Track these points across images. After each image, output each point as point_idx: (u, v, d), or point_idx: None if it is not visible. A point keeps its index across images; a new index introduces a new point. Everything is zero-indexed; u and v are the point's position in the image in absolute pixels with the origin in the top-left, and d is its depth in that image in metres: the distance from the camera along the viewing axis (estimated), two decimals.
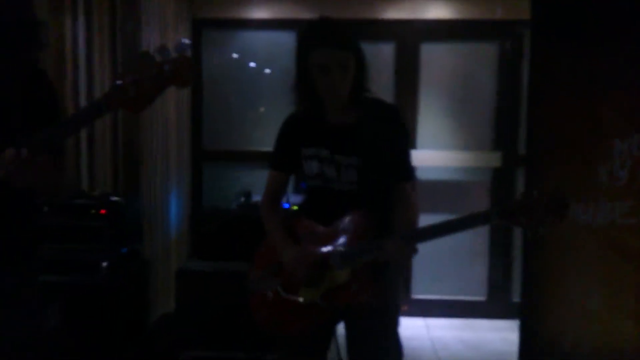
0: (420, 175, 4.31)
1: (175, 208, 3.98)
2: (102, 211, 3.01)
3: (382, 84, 4.28)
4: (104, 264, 3.00)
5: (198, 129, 4.40)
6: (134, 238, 3.32)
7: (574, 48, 2.35)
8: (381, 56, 4.29)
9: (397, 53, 4.26)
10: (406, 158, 2.02)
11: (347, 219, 1.95)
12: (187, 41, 1.49)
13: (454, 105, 4.29)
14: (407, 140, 2.03)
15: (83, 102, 3.46)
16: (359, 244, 1.89)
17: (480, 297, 4.36)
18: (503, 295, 4.31)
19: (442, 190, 4.33)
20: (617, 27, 2.07)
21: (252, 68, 4.37)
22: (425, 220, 4.23)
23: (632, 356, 1.89)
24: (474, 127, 4.28)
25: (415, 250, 1.82)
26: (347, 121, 1.98)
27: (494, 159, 4.19)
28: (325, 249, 1.93)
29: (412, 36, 4.23)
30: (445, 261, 4.33)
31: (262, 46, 4.39)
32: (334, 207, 1.99)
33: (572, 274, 2.25)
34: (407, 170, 2.03)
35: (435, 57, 4.26)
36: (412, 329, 4.16)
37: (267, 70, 4.38)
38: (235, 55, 4.39)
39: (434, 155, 4.26)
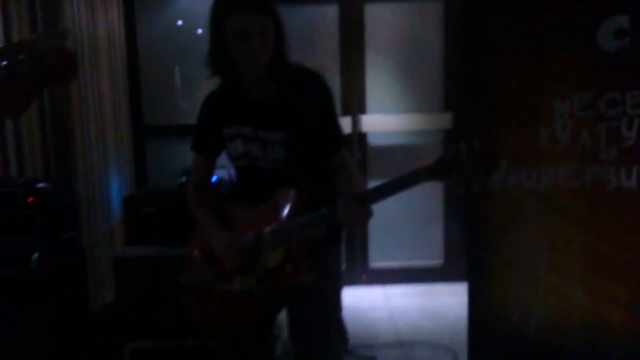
0: (371, 140, 4.22)
1: (116, 190, 3.79)
2: (30, 199, 2.80)
3: (327, 46, 4.14)
4: (35, 255, 2.81)
5: (138, 103, 4.18)
6: (68, 225, 3.12)
7: (508, 6, 2.23)
8: (325, 18, 4.13)
9: (341, 14, 4.09)
10: (336, 126, 1.89)
11: (276, 197, 1.83)
12: (64, 27, 1.32)
13: (402, 67, 4.16)
14: (333, 106, 1.89)
15: None
16: (290, 221, 1.78)
17: (438, 261, 4.33)
18: (460, 257, 4.28)
19: (394, 155, 4.22)
20: None
21: (192, 36, 4.15)
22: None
23: (580, 322, 1.84)
24: (423, 88, 4.17)
25: (370, 213, 1.71)
26: (269, 94, 1.84)
27: (445, 120, 4.10)
28: (255, 231, 1.81)
29: None
30: (400, 227, 4.27)
31: (202, 12, 4.15)
32: (264, 186, 1.87)
33: (519, 241, 2.18)
34: (339, 138, 1.91)
35: (380, 18, 4.10)
36: (370, 299, 4.11)
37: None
38: (180, 22, 4.15)
39: (383, 120, 4.14)
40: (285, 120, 1.82)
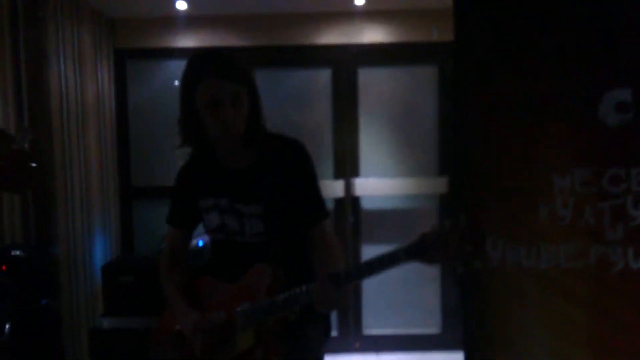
0: (364, 204, 4.12)
1: (100, 255, 3.65)
2: (2, 267, 2.67)
3: (320, 110, 4.10)
4: (7, 325, 2.66)
5: (126, 164, 4.10)
6: (45, 292, 2.97)
7: (504, 73, 2.17)
8: (318, 82, 4.10)
9: (335, 78, 4.06)
10: (316, 196, 1.79)
11: (251, 274, 1.71)
12: (23, 127, 1.24)
13: (396, 131, 4.10)
14: (313, 176, 1.79)
15: None
16: (263, 301, 1.65)
17: (434, 329, 4.15)
18: (458, 325, 4.09)
19: (387, 220, 4.12)
20: (553, 52, 1.89)
21: None
22: (371, 250, 4.07)
23: None
24: (417, 152, 4.09)
25: (345, 295, 1.59)
26: (245, 164, 1.76)
27: (440, 185, 4.01)
28: (226, 311, 1.68)
29: (349, 61, 4.04)
30: (395, 292, 4.11)
31: None
32: (240, 262, 1.75)
33: (519, 323, 2.04)
34: (319, 209, 1.79)
35: (373, 82, 4.08)
36: None
37: None
38: (172, 83, 4.11)
39: (376, 184, 4.05)
40: (262, 191, 1.72)
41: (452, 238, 1.42)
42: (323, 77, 4.08)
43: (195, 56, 1.68)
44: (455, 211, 2.26)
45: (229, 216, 1.75)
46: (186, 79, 1.67)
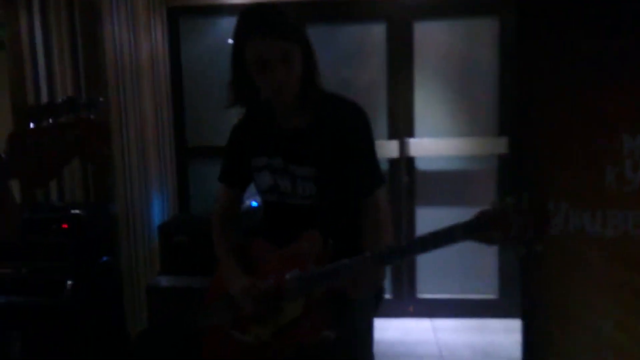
0: (419, 165, 4.01)
1: (157, 214, 3.72)
2: (64, 225, 2.75)
3: (373, 67, 3.97)
4: (69, 282, 2.76)
5: (181, 124, 4.12)
6: (104, 250, 3.06)
7: (572, 26, 2.01)
8: (372, 38, 3.96)
9: (389, 33, 3.91)
10: (372, 162, 1.72)
11: (301, 241, 1.66)
12: (99, 99, 1.21)
13: (453, 88, 3.93)
14: (372, 142, 1.72)
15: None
16: (314, 270, 1.60)
17: (492, 295, 4.05)
18: (517, 292, 3.98)
19: (443, 182, 4.00)
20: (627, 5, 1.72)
21: None
22: (425, 213, 3.98)
23: None
24: (475, 111, 3.93)
25: (381, 276, 1.53)
26: (301, 124, 1.69)
27: (499, 145, 3.84)
28: (276, 277, 1.65)
29: (404, 14, 3.87)
30: (451, 256, 4.01)
31: None
32: (291, 225, 1.71)
33: (581, 293, 1.93)
34: (374, 176, 1.72)
35: (430, 36, 3.90)
36: (417, 332, 3.88)
37: None
38: (226, 41, 4.08)
39: (432, 144, 3.93)
40: (316, 154, 1.66)
41: (514, 217, 1.33)
42: (377, 32, 3.93)
43: (244, 13, 1.61)
44: (516, 179, 2.14)
45: (281, 177, 1.71)
46: (235, 38, 1.61)
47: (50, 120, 1.16)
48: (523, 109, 2.05)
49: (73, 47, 3.15)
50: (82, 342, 2.75)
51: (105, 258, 3.03)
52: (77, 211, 2.81)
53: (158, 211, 3.73)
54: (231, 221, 1.88)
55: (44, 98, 3.17)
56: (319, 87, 1.68)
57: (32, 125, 1.15)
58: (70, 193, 3.25)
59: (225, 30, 4.01)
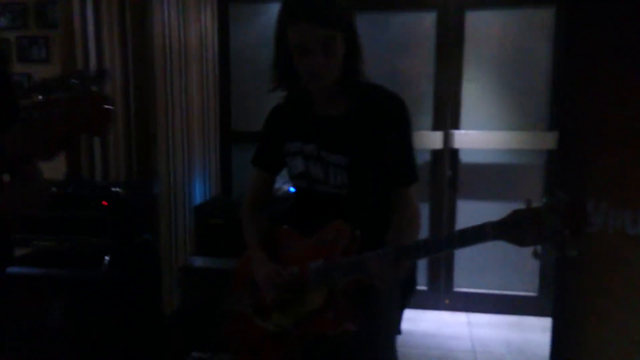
0: (464, 158, 3.92)
1: (199, 195, 3.79)
2: (103, 202, 2.84)
3: (421, 56, 3.89)
4: (106, 258, 2.85)
5: (227, 108, 4.17)
6: (143, 228, 3.15)
7: (630, 15, 1.90)
8: (421, 27, 3.88)
9: (439, 23, 3.82)
10: (408, 157, 1.68)
11: (328, 229, 1.64)
12: (104, 70, 1.24)
13: (504, 80, 3.82)
14: (409, 135, 1.67)
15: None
16: (338, 260, 1.59)
17: (531, 292, 3.95)
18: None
19: (488, 175, 3.90)
20: None
21: None
22: (468, 206, 3.89)
23: None
24: (526, 103, 3.80)
25: (403, 271, 1.50)
26: (336, 112, 1.66)
27: (548, 140, 3.71)
28: (300, 265, 1.65)
29: (456, 3, 3.77)
30: (491, 251, 3.92)
31: None
32: (320, 213, 1.69)
33: (617, 295, 1.84)
34: (409, 172, 1.69)
35: (481, 26, 3.79)
36: (452, 325, 3.83)
37: None
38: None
39: (478, 136, 3.83)
40: (350, 142, 1.64)
41: (548, 218, 1.28)
42: (427, 20, 3.85)
43: None
44: (557, 176, 2.05)
45: (313, 163, 1.69)
46: (278, 21, 1.60)
47: (60, 94, 1.18)
48: (570, 103, 1.96)
49: (122, 29, 3.21)
50: (117, 316, 2.84)
51: (144, 235, 3.11)
52: (117, 189, 2.88)
53: (200, 192, 3.80)
54: (261, 205, 1.87)
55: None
56: (361, 76, 1.65)
57: (40, 97, 1.17)
58: (114, 171, 3.34)
59: (273, 16, 3.99)
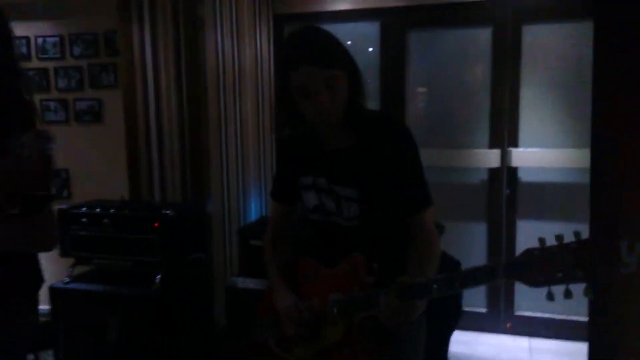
0: (523, 176, 3.78)
1: (255, 213, 3.86)
2: (155, 224, 2.96)
3: (477, 73, 3.80)
4: (157, 276, 2.96)
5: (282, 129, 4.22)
6: (197, 247, 3.25)
7: None
8: (477, 42, 3.79)
9: (495, 38, 3.72)
10: (418, 183, 1.65)
11: (346, 263, 1.64)
12: (47, 133, 1.33)
13: (564, 96, 3.65)
14: (416, 160, 1.65)
15: (152, 109, 3.45)
16: (354, 295, 1.58)
17: None
18: None
19: (548, 195, 3.74)
20: None
21: None
22: (528, 227, 3.73)
23: None
24: (587, 120, 3.60)
25: (413, 310, 1.47)
26: (343, 145, 1.67)
27: None
28: (319, 299, 1.65)
29: (512, 18, 3.66)
30: None
31: (345, 38, 4.08)
32: (337, 245, 1.70)
33: None
34: (421, 197, 1.66)
35: (540, 41, 3.65)
36: (512, 350, 3.68)
37: None
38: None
39: (537, 154, 3.69)
40: (359, 175, 1.64)
41: (560, 258, 1.22)
42: (482, 36, 3.76)
43: (289, 37, 1.61)
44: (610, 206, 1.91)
45: (326, 197, 1.70)
46: (280, 64, 1.63)
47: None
48: (598, 126, 1.85)
49: (177, 54, 3.36)
50: (168, 332, 2.95)
51: (196, 255, 3.21)
52: (167, 211, 2.99)
53: (255, 211, 3.87)
54: (282, 237, 1.89)
55: (151, 99, 3.42)
56: (364, 108, 1.65)
57: None
58: (171, 191, 3.48)
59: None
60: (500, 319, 3.89)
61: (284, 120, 1.69)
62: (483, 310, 3.91)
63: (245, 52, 3.75)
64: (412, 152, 1.65)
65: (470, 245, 3.88)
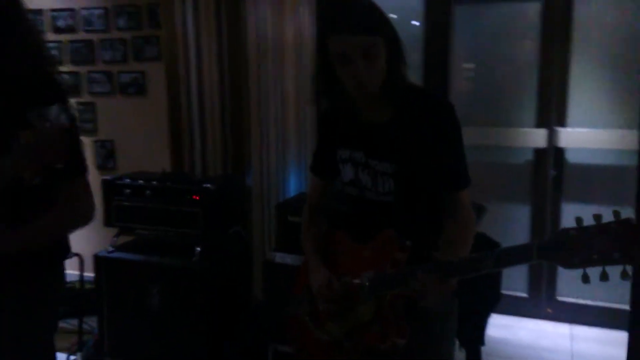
0: (570, 157, 3.66)
1: (294, 189, 3.86)
2: (195, 197, 2.99)
3: (524, 49, 3.68)
4: (197, 249, 3.00)
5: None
6: (234, 221, 3.28)
7: None
8: (524, 17, 3.65)
9: (545, 12, 3.56)
10: (455, 162, 1.62)
11: (379, 239, 1.63)
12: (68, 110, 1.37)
13: (618, 74, 3.49)
14: (457, 138, 1.61)
15: (194, 82, 3.46)
16: (386, 272, 1.56)
17: None
18: None
19: (596, 177, 3.61)
20: None
21: None
22: (573, 210, 3.64)
23: None
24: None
25: (447, 289, 1.45)
26: (382, 118, 1.64)
27: None
28: (353, 276, 1.64)
29: None
30: None
31: (389, 11, 4.00)
32: (370, 220, 1.69)
33: None
34: (458, 176, 1.62)
35: (593, 15, 3.49)
36: (552, 337, 3.61)
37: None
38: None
39: (587, 135, 3.55)
40: (396, 149, 1.61)
41: (597, 239, 1.19)
42: (531, 11, 3.61)
43: (327, 3, 1.60)
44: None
45: (362, 171, 1.68)
46: (318, 30, 1.62)
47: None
48: None
49: (218, 28, 3.36)
50: (207, 304, 2.99)
51: (234, 228, 3.24)
52: (207, 185, 3.02)
53: (294, 186, 3.87)
54: (320, 212, 1.88)
55: (193, 72, 3.43)
56: (405, 80, 1.61)
57: None
58: (212, 165, 3.51)
59: None
60: (541, 304, 3.81)
61: (321, 90, 1.66)
62: (524, 294, 3.84)
63: (286, 24, 3.70)
64: (453, 128, 1.61)
65: (512, 227, 3.79)
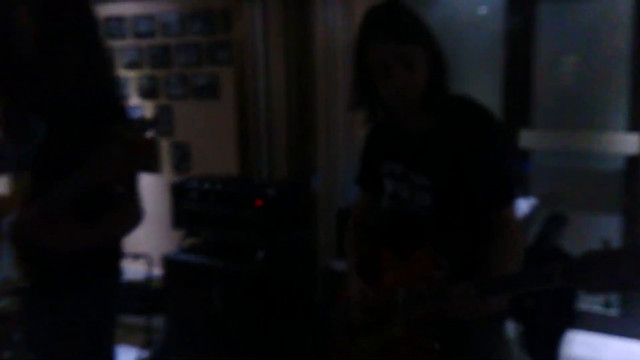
0: None
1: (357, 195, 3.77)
2: (257, 202, 2.98)
3: (612, 48, 3.38)
4: (260, 253, 3.00)
5: None
6: (297, 226, 3.25)
7: None
8: (614, 13, 3.37)
9: (637, 7, 3.26)
10: (500, 176, 1.51)
11: (416, 256, 1.56)
12: (152, 118, 1.38)
13: None
14: (500, 150, 1.51)
15: (262, 87, 3.46)
16: (419, 290, 1.49)
17: None
18: None
19: None
20: None
21: None
22: None
23: None
24: None
25: (486, 308, 1.34)
26: (421, 130, 1.57)
27: None
28: (389, 291, 1.59)
29: None
30: None
31: (471, 8, 3.83)
32: (409, 235, 1.62)
33: None
34: (503, 191, 1.52)
35: None
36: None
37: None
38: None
39: None
40: (434, 163, 1.53)
41: (625, 264, 1.07)
42: (620, 6, 3.32)
43: (367, 13, 1.54)
44: None
45: (401, 184, 1.63)
46: (358, 38, 1.56)
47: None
48: None
49: (286, 31, 3.34)
50: (270, 311, 2.98)
51: (297, 234, 3.21)
52: (270, 190, 3.02)
53: (356, 193, 3.77)
54: (363, 226, 1.85)
55: (261, 76, 3.43)
56: (446, 91, 1.53)
57: None
58: (279, 168, 3.50)
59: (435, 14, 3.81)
60: (635, 324, 3.49)
61: (357, 100, 1.61)
62: (615, 312, 3.53)
63: (354, 28, 3.62)
64: (495, 141, 1.51)
65: (598, 240, 3.49)
